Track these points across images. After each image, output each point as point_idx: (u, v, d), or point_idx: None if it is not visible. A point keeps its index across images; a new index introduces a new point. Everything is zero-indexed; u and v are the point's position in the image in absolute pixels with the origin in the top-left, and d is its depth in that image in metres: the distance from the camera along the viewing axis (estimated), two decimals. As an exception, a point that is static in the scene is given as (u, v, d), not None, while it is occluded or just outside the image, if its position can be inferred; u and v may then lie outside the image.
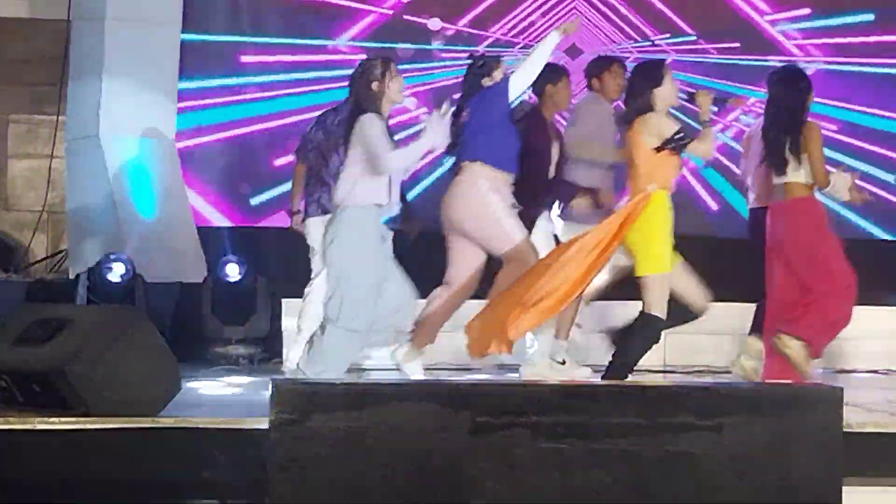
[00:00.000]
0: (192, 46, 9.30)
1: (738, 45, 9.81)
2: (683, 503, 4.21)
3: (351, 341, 6.18)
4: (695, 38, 9.83)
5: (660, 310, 6.07)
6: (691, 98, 6.47)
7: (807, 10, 9.90)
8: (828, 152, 9.27)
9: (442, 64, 9.62)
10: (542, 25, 9.71)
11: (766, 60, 9.58)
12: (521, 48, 9.64)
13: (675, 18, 9.85)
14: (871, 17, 9.94)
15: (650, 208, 6.08)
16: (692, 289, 6.29)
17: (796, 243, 6.54)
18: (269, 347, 8.08)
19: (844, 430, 4.35)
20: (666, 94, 6.21)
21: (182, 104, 9.24)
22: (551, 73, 7.04)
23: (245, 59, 9.46)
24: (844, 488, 4.31)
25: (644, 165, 6.13)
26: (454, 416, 4.04)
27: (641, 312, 6.10)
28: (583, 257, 6.07)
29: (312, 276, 7.33)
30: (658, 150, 6.10)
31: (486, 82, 6.67)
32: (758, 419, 4.25)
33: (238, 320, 8.06)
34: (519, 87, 6.58)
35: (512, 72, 6.69)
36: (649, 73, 6.27)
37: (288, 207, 7.75)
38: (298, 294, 7.47)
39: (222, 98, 9.41)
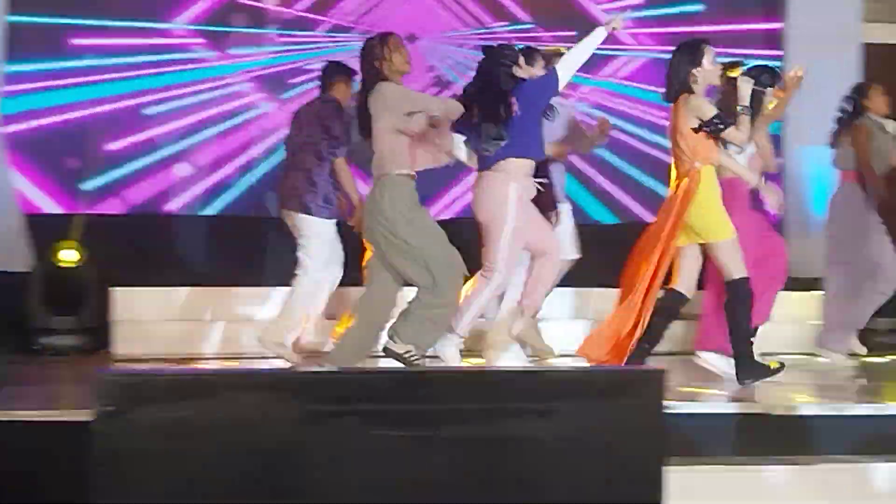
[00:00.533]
0: (20, 28, 9.07)
1: (574, 33, 9.95)
2: (520, 490, 4.26)
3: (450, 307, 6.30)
4: (532, 25, 9.94)
5: (740, 271, 6.30)
6: (729, 81, 6.49)
7: (640, 0, 10.10)
8: (660, 138, 9.67)
9: (279, 49, 9.56)
10: (381, 10, 9.72)
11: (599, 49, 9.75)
12: (359, 33, 9.62)
13: (513, 7, 9.95)
14: (700, 7, 10.18)
15: (702, 184, 6.27)
16: (691, 274, 6.46)
17: None
18: (99, 337, 7.94)
19: (667, 411, 4.45)
20: (706, 73, 6.33)
21: (10, 87, 9.01)
22: None
23: (76, 41, 9.26)
24: (667, 468, 4.42)
25: (685, 144, 6.30)
26: (282, 405, 4.01)
27: (728, 282, 6.30)
28: (653, 245, 6.28)
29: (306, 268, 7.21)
30: (696, 130, 6.27)
31: (520, 73, 6.62)
32: (586, 403, 4.31)
33: (68, 310, 7.91)
34: (565, 80, 6.53)
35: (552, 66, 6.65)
36: (689, 53, 6.34)
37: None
38: (131, 283, 7.37)
39: (53, 81, 9.20)
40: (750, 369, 6.48)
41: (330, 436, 4.10)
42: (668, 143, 6.62)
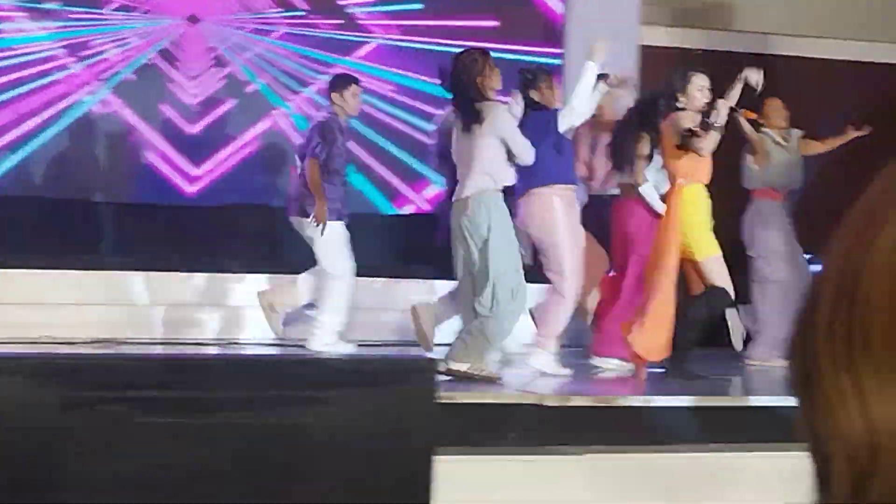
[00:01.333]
0: None
1: (342, 21, 10.01)
2: (290, 477, 4.22)
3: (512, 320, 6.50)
4: (305, 12, 9.94)
5: (724, 282, 6.56)
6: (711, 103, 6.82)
7: None
8: (390, 108, 9.79)
9: (64, 24, 9.27)
10: None
11: (358, 36, 9.90)
12: (142, 12, 9.41)
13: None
14: (420, 6, 10.32)
15: (685, 201, 6.55)
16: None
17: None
18: None
19: (439, 400, 4.47)
20: (691, 93, 6.72)
21: None
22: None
23: None
24: (439, 458, 4.44)
25: (670, 163, 6.67)
26: (43, 391, 3.88)
27: (709, 286, 6.59)
28: (653, 261, 6.69)
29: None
30: (678, 147, 6.61)
31: (534, 95, 7.10)
32: (358, 391, 4.30)
33: None
34: (567, 123, 6.99)
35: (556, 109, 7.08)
36: (678, 76, 6.85)
37: None
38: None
39: None
40: (681, 370, 6.71)
41: (93, 423, 3.98)
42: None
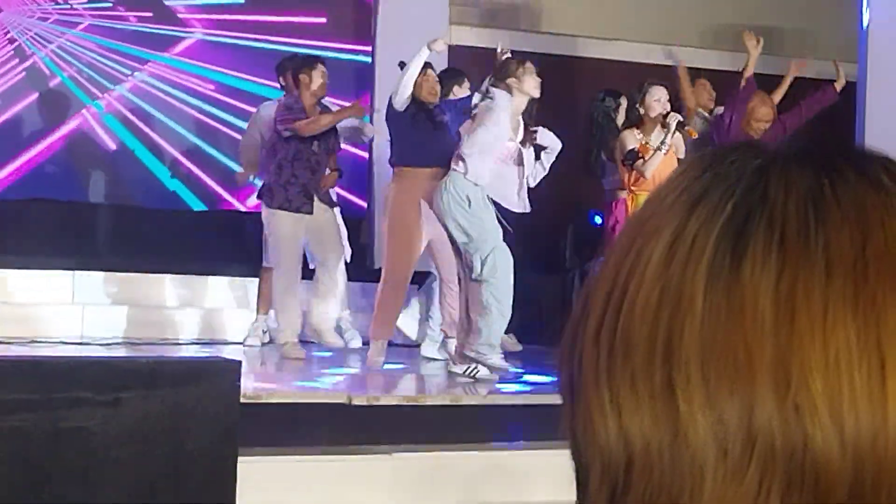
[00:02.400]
0: None
1: (150, 14, 9.81)
2: (76, 480, 4.09)
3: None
4: (111, 4, 9.70)
5: None
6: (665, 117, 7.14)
7: None
8: (211, 108, 9.68)
9: None
10: None
11: (172, 30, 9.73)
12: None
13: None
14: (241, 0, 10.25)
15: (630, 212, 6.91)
16: None
17: None
18: None
19: (243, 401, 4.40)
20: (649, 103, 7.06)
21: None
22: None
23: None
24: (241, 458, 4.36)
25: (621, 176, 7.09)
26: None
27: None
28: None
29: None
30: (622, 163, 7.05)
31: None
32: (156, 392, 4.20)
33: None
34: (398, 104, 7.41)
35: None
36: (639, 95, 7.15)
37: None
38: None
39: None
40: None
41: None
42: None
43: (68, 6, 9.56)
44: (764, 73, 10.34)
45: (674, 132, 7.11)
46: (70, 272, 8.44)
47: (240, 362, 4.30)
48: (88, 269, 8.52)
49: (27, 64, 9.19)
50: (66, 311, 8.33)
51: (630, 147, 7.08)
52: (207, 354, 5.77)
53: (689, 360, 0.66)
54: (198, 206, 9.75)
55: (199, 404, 4.23)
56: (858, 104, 8.86)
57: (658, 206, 0.71)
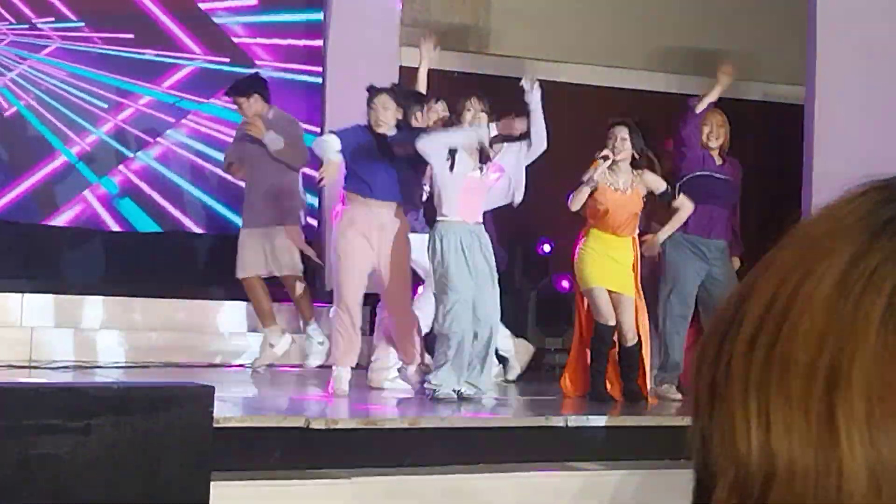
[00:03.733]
0: None
1: (131, 35, 9.69)
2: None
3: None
4: (82, 24, 9.57)
5: (603, 319, 7.02)
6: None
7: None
8: (198, 144, 9.64)
9: None
10: None
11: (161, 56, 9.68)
12: None
13: (56, 3, 9.52)
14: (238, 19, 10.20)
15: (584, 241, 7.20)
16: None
17: None
18: None
19: (216, 426, 4.38)
20: (616, 145, 7.11)
21: None
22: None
23: None
24: (214, 483, 4.35)
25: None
26: None
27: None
28: None
29: None
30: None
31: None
32: (127, 419, 4.17)
33: None
34: None
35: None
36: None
37: None
38: None
39: None
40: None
41: None
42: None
43: (27, 26, 9.39)
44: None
45: (601, 170, 7.19)
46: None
47: (213, 387, 4.28)
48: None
49: None
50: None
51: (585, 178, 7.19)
52: (179, 380, 5.73)
53: (855, 393, 0.66)
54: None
55: (172, 430, 4.21)
56: (806, 128, 8.97)
57: (833, 226, 0.70)
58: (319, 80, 10.30)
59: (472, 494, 5.67)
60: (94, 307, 8.70)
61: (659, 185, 7.31)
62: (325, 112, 9.87)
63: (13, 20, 9.29)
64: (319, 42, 10.34)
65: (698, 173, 7.62)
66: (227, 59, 9.93)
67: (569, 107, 9.46)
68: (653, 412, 7.02)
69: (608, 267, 7.15)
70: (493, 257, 7.00)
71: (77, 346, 8.28)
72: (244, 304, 8.74)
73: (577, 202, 7.15)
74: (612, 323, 7.09)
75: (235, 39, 10.07)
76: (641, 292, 7.25)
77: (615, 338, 7.16)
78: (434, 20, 10.80)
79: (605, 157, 7.18)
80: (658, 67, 11.13)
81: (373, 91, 7.36)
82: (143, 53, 9.68)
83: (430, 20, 10.79)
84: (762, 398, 0.68)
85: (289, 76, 10.30)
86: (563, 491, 5.78)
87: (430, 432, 6.00)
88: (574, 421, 6.33)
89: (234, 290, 8.51)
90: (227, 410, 5.74)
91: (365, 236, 7.04)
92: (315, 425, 5.79)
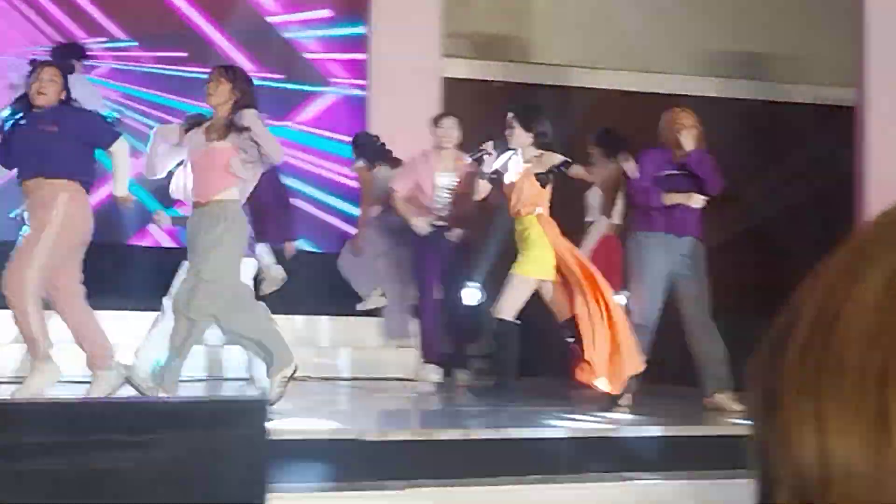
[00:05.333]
0: None
1: (185, 54, 9.79)
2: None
3: None
4: (134, 44, 9.68)
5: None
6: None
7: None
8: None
9: None
10: None
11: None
12: None
13: (106, 23, 9.65)
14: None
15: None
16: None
17: None
18: None
19: (273, 438, 4.40)
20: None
21: None
22: None
23: None
24: (270, 496, 4.36)
25: None
26: None
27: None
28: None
29: None
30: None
31: None
32: (184, 433, 4.20)
33: None
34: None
35: None
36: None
37: None
38: None
39: None
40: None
41: None
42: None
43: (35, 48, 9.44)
44: (757, 100, 10.43)
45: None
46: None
47: (267, 401, 4.30)
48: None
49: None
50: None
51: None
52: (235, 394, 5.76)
53: None
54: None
55: (228, 444, 4.23)
56: (858, 131, 8.88)
57: (883, 231, 0.71)
58: (363, 92, 10.33)
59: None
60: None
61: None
62: (369, 124, 9.90)
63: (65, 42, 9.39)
64: (363, 55, 10.37)
65: (659, 174, 7.51)
66: (283, 76, 9.99)
67: (610, 113, 9.45)
68: (710, 421, 6.97)
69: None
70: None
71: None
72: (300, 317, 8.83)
73: (479, 193, 7.39)
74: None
75: (284, 54, 10.14)
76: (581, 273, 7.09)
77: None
78: (475, 30, 10.81)
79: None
80: (703, 72, 11.09)
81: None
82: (197, 72, 9.75)
83: (471, 30, 10.81)
84: (816, 402, 0.68)
85: (333, 90, 10.36)
86: (618, 503, 5.76)
87: (482, 444, 5.99)
88: (627, 431, 6.30)
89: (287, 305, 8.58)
90: (281, 423, 5.76)
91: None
92: (368, 437, 5.80)
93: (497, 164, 7.28)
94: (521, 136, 7.14)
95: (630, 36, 11.01)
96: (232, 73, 6.51)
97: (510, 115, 7.24)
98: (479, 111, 10.58)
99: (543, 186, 7.13)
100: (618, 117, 9.64)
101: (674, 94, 10.84)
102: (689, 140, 7.45)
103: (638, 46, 10.98)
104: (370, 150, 8.87)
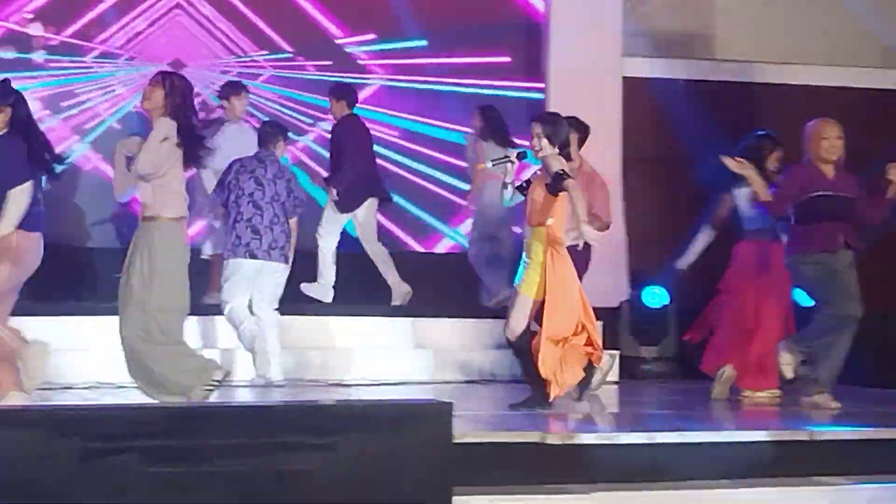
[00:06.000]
0: None
1: (331, 62, 10.02)
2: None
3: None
4: (291, 55, 9.95)
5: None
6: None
7: (372, 35, 10.22)
8: (390, 153, 9.90)
9: (48, 73, 9.30)
10: (147, 35, 9.60)
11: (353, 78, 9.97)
12: (126, 59, 9.45)
13: (274, 36, 9.95)
14: (424, 42, 10.34)
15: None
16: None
17: None
18: None
19: (455, 441, 4.44)
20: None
21: None
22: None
23: None
24: (455, 498, 4.40)
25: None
26: (61, 442, 3.84)
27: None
28: None
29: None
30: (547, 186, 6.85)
31: None
32: (370, 435, 4.27)
33: None
34: None
35: None
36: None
37: None
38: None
39: None
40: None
41: (108, 473, 3.95)
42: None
43: (248, 58, 9.92)
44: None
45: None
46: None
47: (451, 404, 4.34)
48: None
49: (214, 115, 9.40)
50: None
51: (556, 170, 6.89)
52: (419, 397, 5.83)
53: None
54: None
55: (413, 446, 4.29)
56: None
57: None
58: (541, 95, 10.34)
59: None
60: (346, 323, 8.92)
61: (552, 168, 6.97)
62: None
63: (239, 53, 9.95)
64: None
65: (812, 195, 7.38)
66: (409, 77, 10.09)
67: (797, 108, 9.26)
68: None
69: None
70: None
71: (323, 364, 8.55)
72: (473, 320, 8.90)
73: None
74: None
75: (465, 60, 10.23)
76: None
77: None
78: (658, 28, 10.71)
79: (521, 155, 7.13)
80: (891, 65, 10.79)
81: None
82: (339, 76, 9.97)
83: (654, 29, 10.70)
84: None
85: (509, 93, 10.39)
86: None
87: (666, 447, 5.94)
88: (819, 434, 6.18)
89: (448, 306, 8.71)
90: (463, 426, 5.80)
91: None
92: (551, 441, 5.79)
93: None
94: (545, 146, 7.01)
95: (815, 28, 10.77)
96: (170, 81, 6.41)
97: (535, 124, 7.01)
98: (660, 110, 10.50)
99: (555, 196, 6.90)
100: (804, 112, 9.44)
101: (860, 87, 10.58)
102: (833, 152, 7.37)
103: (823, 39, 10.73)
104: (493, 124, 9.15)
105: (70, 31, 9.50)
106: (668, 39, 10.78)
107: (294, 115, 9.96)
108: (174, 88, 6.34)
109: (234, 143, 8.37)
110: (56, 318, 7.83)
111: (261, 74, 9.91)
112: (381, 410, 4.35)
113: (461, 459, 4.71)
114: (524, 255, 6.95)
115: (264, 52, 9.93)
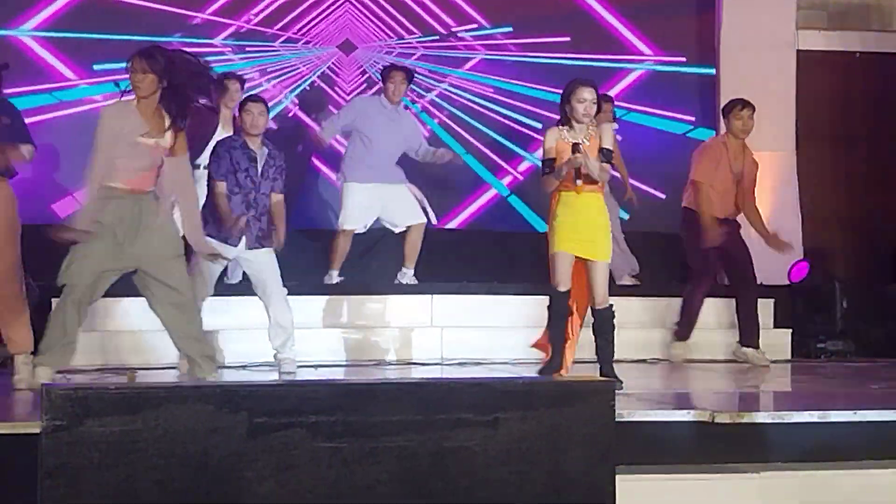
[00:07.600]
0: None
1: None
2: (459, 498, 4.24)
3: None
4: (509, 29, 10.25)
5: (554, 283, 6.61)
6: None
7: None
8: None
9: (246, 56, 9.96)
10: (322, 22, 9.98)
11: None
12: (305, 43, 9.97)
13: (429, 18, 10.25)
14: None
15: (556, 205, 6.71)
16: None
17: None
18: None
19: (617, 419, 4.44)
20: (573, 109, 6.59)
21: None
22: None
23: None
24: (618, 476, 4.40)
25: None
26: (230, 417, 3.97)
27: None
28: None
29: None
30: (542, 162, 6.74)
31: None
32: (532, 413, 4.30)
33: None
34: None
35: None
36: (565, 90, 6.66)
37: None
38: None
39: None
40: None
41: (276, 447, 4.07)
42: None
43: (405, 41, 10.22)
44: None
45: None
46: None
47: (614, 382, 4.34)
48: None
49: (373, 90, 9.83)
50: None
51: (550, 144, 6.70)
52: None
53: None
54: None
55: (575, 425, 4.30)
56: None
57: None
58: (712, 70, 10.20)
59: (888, 489, 5.48)
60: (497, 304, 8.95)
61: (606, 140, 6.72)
62: (718, 101, 9.73)
63: (400, 35, 10.29)
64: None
65: None
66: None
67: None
68: None
69: (577, 231, 6.67)
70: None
71: (481, 345, 8.59)
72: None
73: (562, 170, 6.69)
74: (563, 289, 6.62)
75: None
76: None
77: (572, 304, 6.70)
78: (832, 0, 10.48)
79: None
80: None
81: None
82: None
83: (828, 1, 10.48)
84: None
85: (681, 69, 10.29)
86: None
87: (838, 426, 5.83)
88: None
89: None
90: (625, 404, 5.79)
91: None
92: (720, 419, 5.74)
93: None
94: (603, 113, 6.86)
95: None
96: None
97: (594, 92, 6.72)
98: (835, 84, 10.27)
99: (608, 162, 6.67)
100: None
101: None
102: None
103: None
104: None
105: (260, 18, 10.02)
106: (844, 11, 10.53)
107: (425, 79, 10.22)
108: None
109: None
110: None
111: (413, 54, 10.20)
112: (543, 389, 4.38)
113: (625, 438, 4.72)
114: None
115: (416, 35, 10.20)
